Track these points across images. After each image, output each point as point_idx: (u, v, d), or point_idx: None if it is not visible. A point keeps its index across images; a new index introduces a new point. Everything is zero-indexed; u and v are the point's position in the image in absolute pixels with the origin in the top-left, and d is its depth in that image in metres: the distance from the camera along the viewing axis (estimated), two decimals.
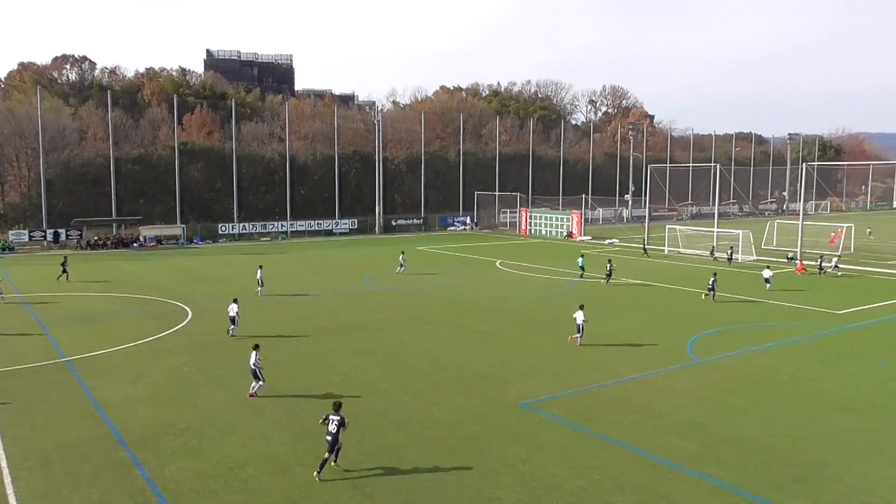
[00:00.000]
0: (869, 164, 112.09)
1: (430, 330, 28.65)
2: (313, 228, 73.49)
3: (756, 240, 56.55)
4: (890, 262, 49.93)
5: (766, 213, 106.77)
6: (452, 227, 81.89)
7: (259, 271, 37.24)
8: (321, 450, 15.06)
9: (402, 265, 44.67)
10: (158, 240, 62.82)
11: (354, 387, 20.55)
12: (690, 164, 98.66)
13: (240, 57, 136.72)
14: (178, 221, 66.46)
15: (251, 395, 19.70)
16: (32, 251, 57.90)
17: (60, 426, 17.55)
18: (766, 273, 39.20)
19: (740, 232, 53.76)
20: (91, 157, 67.32)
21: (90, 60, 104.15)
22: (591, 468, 15.20)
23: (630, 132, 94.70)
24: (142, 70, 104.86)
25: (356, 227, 75.88)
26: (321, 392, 20.15)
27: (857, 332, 29.02)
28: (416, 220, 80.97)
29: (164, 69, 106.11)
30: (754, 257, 52.23)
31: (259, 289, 36.24)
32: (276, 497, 13.87)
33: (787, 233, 60.73)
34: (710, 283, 35.18)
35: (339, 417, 14.97)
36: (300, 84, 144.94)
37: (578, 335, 25.65)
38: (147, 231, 62.91)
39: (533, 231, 75.89)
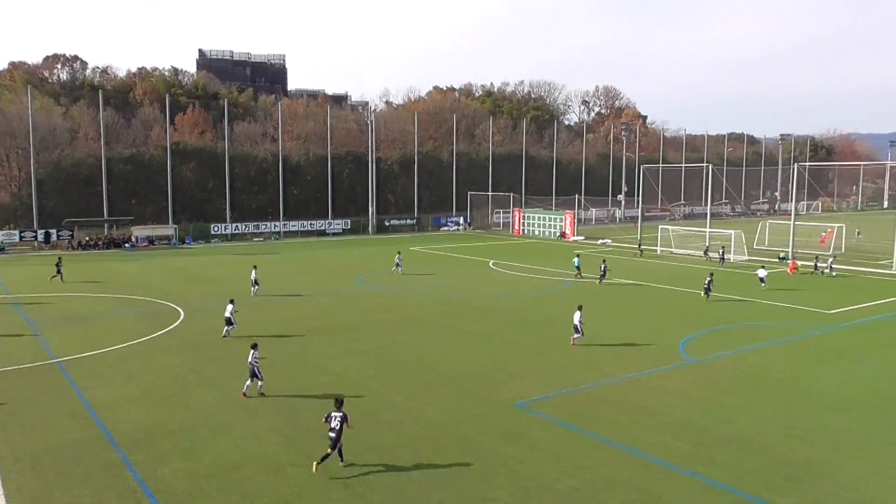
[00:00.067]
0: (860, 165, 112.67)
1: (422, 330, 28.64)
2: (306, 229, 73.34)
3: (748, 240, 56.78)
4: (881, 262, 50.20)
5: (758, 214, 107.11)
6: (446, 228, 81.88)
7: (253, 271, 37.12)
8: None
9: (398, 265, 44.64)
10: (150, 240, 62.57)
11: (347, 387, 20.50)
12: (683, 165, 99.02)
13: (232, 57, 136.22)
14: (171, 222, 66.20)
15: (244, 394, 19.67)
16: (23, 252, 57.57)
17: (51, 427, 17.45)
18: (761, 273, 39.54)
19: (732, 232, 53.99)
20: (82, 156, 66.91)
21: (81, 60, 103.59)
22: (585, 468, 15.22)
23: (623, 132, 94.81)
24: (134, 70, 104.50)
25: (349, 227, 75.76)
26: (313, 392, 20.11)
27: (849, 331, 29.17)
28: (409, 221, 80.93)
29: (157, 69, 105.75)
30: (746, 257, 52.44)
31: (253, 289, 36.12)
32: (270, 498, 13.83)
33: (778, 233, 60.98)
34: (707, 282, 35.31)
35: (341, 414, 15.07)
36: (293, 84, 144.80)
37: (577, 335, 25.69)
38: (139, 231, 62.66)
39: (526, 231, 75.96)
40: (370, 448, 16.06)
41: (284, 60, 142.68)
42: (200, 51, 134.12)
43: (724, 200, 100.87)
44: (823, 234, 62.19)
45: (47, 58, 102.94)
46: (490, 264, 49.98)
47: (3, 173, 66.49)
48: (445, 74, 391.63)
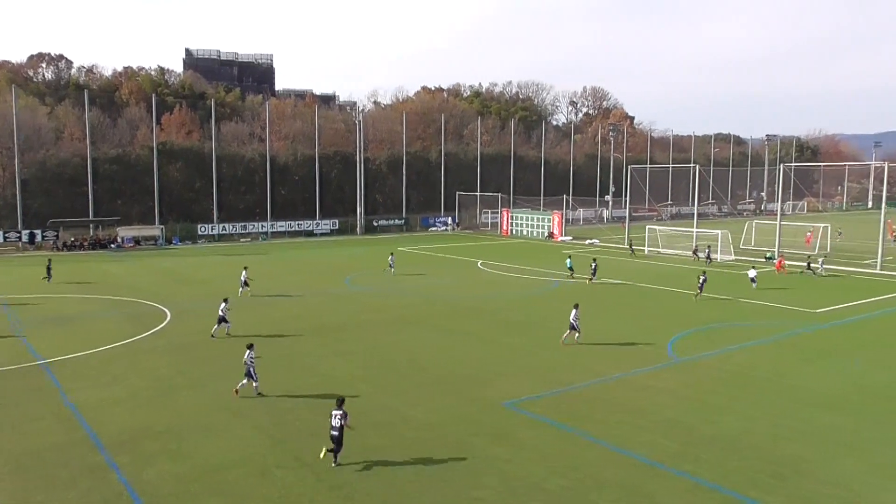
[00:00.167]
0: (845, 165, 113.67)
1: (410, 331, 28.58)
2: (294, 229, 73.02)
3: (735, 240, 57.15)
4: (865, 262, 50.66)
5: (745, 214, 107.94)
6: (434, 228, 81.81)
7: (244, 272, 36.91)
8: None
9: (391, 265, 44.56)
10: (137, 240, 62.09)
11: (335, 388, 20.38)
12: (670, 165, 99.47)
13: (219, 56, 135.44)
14: (157, 222, 65.69)
15: (236, 392, 19.61)
16: (7, 252, 56.92)
17: (35, 430, 17.25)
18: (752, 273, 39.84)
19: (719, 232, 54.30)
20: (68, 156, 66.24)
21: (67, 59, 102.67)
22: (574, 467, 15.24)
23: (610, 133, 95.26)
24: (120, 69, 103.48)
25: (337, 227, 75.51)
26: (302, 393, 20.02)
27: (834, 330, 29.41)
28: (397, 221, 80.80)
29: (143, 68, 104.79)
30: (733, 257, 52.77)
31: (241, 289, 35.92)
32: (257, 500, 13.74)
33: (765, 233, 61.44)
34: (700, 281, 35.48)
35: (341, 412, 15.25)
36: (280, 84, 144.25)
37: (576, 333, 25.73)
38: (125, 232, 62.16)
39: (514, 231, 76.05)
40: (357, 449, 15.98)
41: (272, 60, 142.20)
42: (187, 50, 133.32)
43: (710, 201, 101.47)
44: (808, 233, 62.75)
45: (32, 57, 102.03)
46: (478, 265, 49.99)
47: None
48: (434, 75, 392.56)
